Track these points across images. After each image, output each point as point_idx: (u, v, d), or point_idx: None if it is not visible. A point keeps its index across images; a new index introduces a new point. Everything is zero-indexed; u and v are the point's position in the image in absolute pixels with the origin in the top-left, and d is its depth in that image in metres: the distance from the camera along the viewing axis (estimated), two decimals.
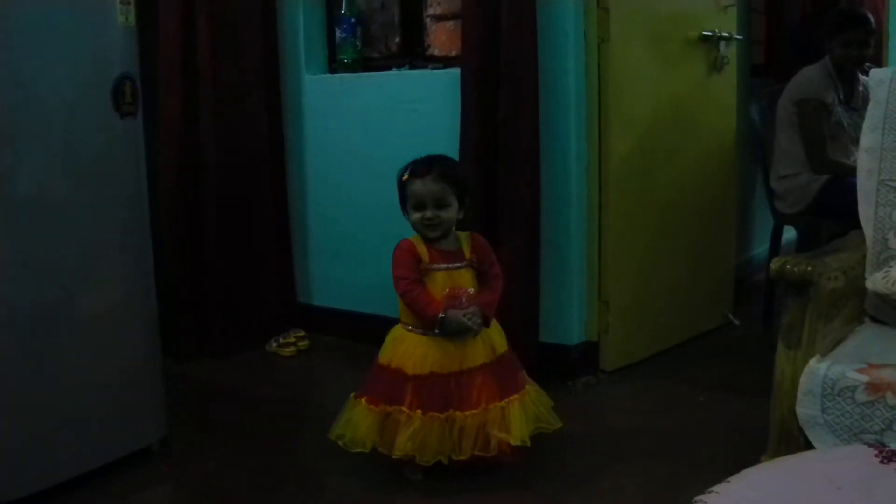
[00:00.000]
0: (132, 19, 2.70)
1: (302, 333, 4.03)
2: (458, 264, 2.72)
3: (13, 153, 2.44)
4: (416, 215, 2.70)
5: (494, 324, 2.78)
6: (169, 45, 3.78)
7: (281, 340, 3.99)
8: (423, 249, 2.71)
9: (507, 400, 2.65)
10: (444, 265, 2.70)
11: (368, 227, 3.89)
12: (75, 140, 2.60)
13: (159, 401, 2.91)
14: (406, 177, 2.72)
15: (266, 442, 3.07)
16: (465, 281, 2.72)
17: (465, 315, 2.63)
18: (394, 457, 2.61)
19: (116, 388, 2.75)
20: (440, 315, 2.62)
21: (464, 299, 2.67)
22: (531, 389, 2.76)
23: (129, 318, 2.79)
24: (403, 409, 2.61)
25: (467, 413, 2.61)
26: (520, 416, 2.66)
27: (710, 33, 3.82)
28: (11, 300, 2.46)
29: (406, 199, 2.73)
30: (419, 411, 2.60)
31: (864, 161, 2.56)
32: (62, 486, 2.60)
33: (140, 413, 2.84)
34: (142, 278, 2.84)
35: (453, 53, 3.72)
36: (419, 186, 2.69)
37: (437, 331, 2.64)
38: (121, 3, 2.65)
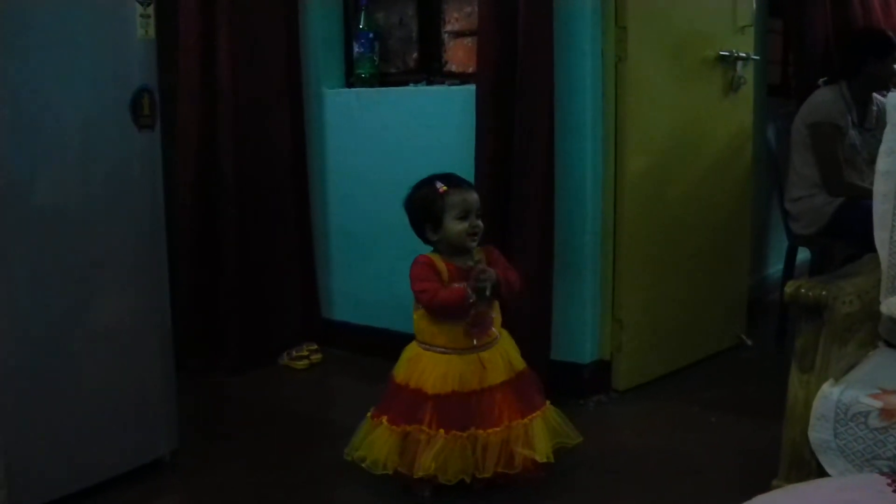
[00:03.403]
0: (152, 32, 2.71)
1: (315, 347, 4.04)
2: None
3: (31, 164, 2.46)
4: (461, 225, 2.66)
5: (511, 341, 2.79)
6: (189, 58, 3.80)
7: (294, 354, 3.99)
8: (441, 266, 2.70)
9: (529, 417, 2.66)
10: (462, 284, 2.66)
11: (385, 242, 3.89)
12: (93, 152, 2.61)
13: (171, 412, 2.91)
14: (443, 188, 2.68)
15: (277, 456, 3.07)
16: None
17: (475, 276, 2.63)
18: (415, 476, 2.60)
19: (128, 399, 2.76)
20: (466, 291, 2.62)
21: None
22: (550, 405, 2.76)
23: (142, 329, 2.79)
24: (423, 428, 2.61)
25: (490, 431, 2.61)
26: (543, 432, 2.67)
27: (727, 53, 3.82)
28: (26, 310, 2.48)
29: (439, 213, 2.68)
30: (441, 431, 2.60)
31: (880, 185, 2.55)
32: (72, 496, 2.61)
33: (151, 424, 2.85)
34: (156, 291, 2.84)
35: (470, 70, 3.73)
36: (464, 196, 2.69)
37: (472, 300, 2.62)
38: (140, 15, 2.67)
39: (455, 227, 2.67)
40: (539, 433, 2.66)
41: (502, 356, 2.73)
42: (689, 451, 3.03)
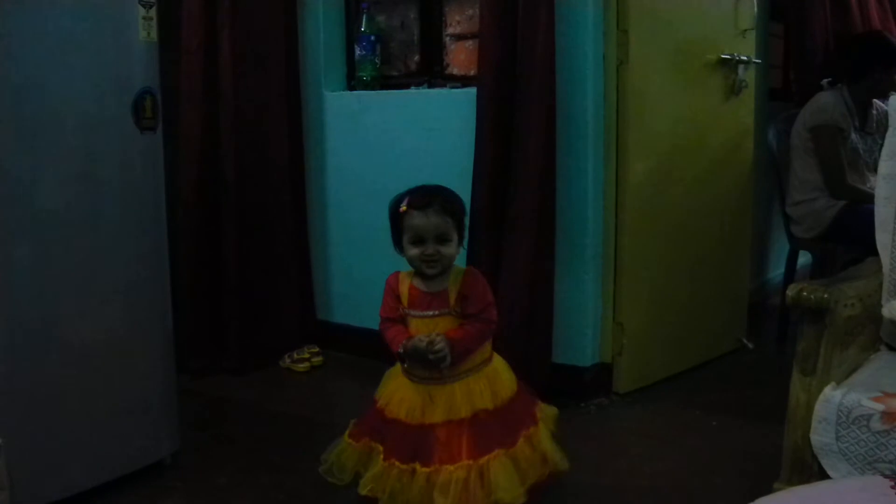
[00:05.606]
0: (154, 34, 2.72)
1: (316, 349, 4.04)
2: (435, 312, 2.48)
3: (33, 165, 2.46)
4: (415, 251, 2.44)
5: (494, 374, 2.56)
6: (191, 60, 3.81)
7: (295, 356, 3.99)
8: (404, 289, 2.53)
9: (486, 457, 2.40)
10: (420, 312, 2.49)
11: (385, 245, 3.86)
12: (94, 153, 2.61)
13: (172, 414, 2.92)
14: (404, 208, 2.49)
15: (278, 459, 3.07)
16: (443, 328, 2.45)
17: (423, 341, 2.40)
18: (360, 493, 2.47)
19: (130, 400, 2.76)
20: (399, 351, 2.46)
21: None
22: (523, 444, 2.48)
23: (144, 331, 2.80)
24: (380, 448, 2.47)
25: (431, 469, 2.39)
26: (507, 471, 2.41)
27: (728, 57, 3.83)
28: (28, 311, 2.48)
29: (401, 233, 2.49)
30: (381, 456, 2.45)
31: (883, 188, 2.54)
32: (74, 498, 2.61)
33: (153, 426, 2.85)
34: (158, 292, 2.85)
35: (472, 73, 3.73)
36: (419, 219, 2.43)
37: (405, 364, 2.49)
38: (143, 17, 2.67)
39: (409, 251, 2.48)
40: (502, 474, 2.39)
41: (461, 393, 2.48)
42: (690, 455, 3.03)
